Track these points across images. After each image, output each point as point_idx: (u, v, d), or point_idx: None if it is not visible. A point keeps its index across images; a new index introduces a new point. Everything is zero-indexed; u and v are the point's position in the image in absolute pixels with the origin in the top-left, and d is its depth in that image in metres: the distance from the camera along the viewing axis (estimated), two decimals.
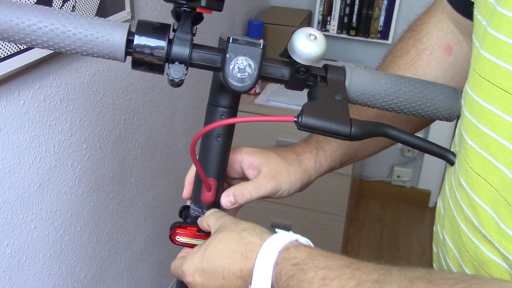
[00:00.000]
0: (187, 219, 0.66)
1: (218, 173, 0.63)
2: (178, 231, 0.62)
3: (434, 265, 0.62)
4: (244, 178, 0.68)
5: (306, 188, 0.73)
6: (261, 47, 0.54)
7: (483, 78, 0.48)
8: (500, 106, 0.46)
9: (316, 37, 0.54)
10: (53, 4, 0.95)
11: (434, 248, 0.61)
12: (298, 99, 1.92)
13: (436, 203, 2.33)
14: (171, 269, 0.61)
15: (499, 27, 0.46)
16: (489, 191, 0.47)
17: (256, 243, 0.52)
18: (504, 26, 0.45)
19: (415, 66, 0.71)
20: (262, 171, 0.66)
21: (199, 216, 0.64)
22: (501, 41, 0.45)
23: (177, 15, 0.54)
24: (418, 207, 2.60)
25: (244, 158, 0.67)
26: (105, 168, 1.27)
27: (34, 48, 0.90)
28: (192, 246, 0.62)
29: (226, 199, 0.64)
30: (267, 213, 2.12)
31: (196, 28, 0.55)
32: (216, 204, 0.64)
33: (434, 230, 0.61)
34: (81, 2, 1.02)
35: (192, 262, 0.55)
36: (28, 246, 1.04)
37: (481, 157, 0.49)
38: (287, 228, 2.09)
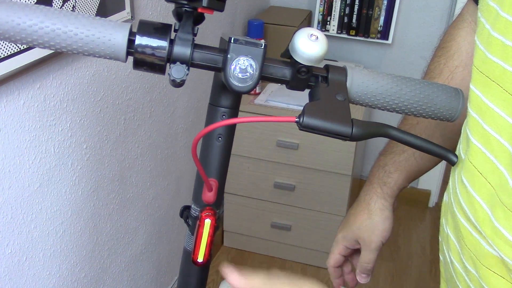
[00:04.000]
0: (188, 219, 0.66)
1: (219, 173, 0.63)
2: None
3: (440, 256, 0.63)
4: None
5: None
6: (262, 47, 0.54)
7: (493, 81, 0.49)
8: (506, 108, 0.47)
9: (317, 37, 0.54)
10: (53, 4, 0.95)
11: (440, 239, 0.63)
12: (298, 99, 1.92)
13: (436, 203, 2.34)
14: None
15: (505, 32, 0.46)
16: (488, 190, 0.49)
17: None
18: (510, 32, 0.46)
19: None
20: (361, 245, 0.82)
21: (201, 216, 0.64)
22: (508, 47, 0.46)
23: (178, 15, 0.54)
24: (418, 207, 2.60)
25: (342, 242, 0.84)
26: (105, 168, 1.27)
27: (34, 48, 0.90)
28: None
29: (365, 280, 0.84)
30: (267, 213, 2.12)
31: (198, 28, 0.54)
32: (216, 204, 0.64)
33: (440, 222, 0.62)
34: (81, 2, 1.02)
35: None
36: (28, 246, 1.04)
37: (485, 157, 0.49)
38: (287, 228, 2.10)
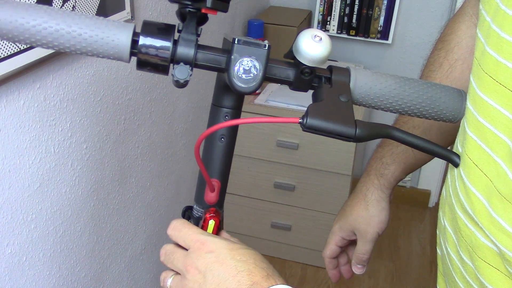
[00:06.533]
0: (190, 220, 0.66)
1: (222, 173, 0.63)
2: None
3: (437, 249, 0.64)
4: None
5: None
6: (266, 48, 0.54)
7: (486, 73, 0.49)
8: (500, 101, 0.47)
9: (321, 38, 0.54)
10: (53, 4, 0.94)
11: (437, 233, 0.63)
12: (297, 99, 1.92)
13: (436, 203, 2.35)
14: (166, 252, 0.59)
15: (502, 25, 0.47)
16: (484, 181, 0.49)
17: None
18: (506, 24, 0.46)
19: (449, 79, 0.74)
20: (357, 236, 0.83)
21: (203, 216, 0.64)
22: (503, 39, 0.46)
23: (182, 15, 0.54)
24: (418, 207, 2.60)
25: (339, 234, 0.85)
26: (105, 168, 1.27)
27: (34, 48, 0.90)
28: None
29: (360, 271, 0.85)
30: (267, 213, 2.12)
31: (201, 29, 0.54)
32: (219, 204, 0.64)
33: (438, 215, 0.62)
34: (81, 2, 1.01)
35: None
36: (28, 246, 1.04)
37: (480, 149, 0.50)
38: (287, 228, 2.10)
